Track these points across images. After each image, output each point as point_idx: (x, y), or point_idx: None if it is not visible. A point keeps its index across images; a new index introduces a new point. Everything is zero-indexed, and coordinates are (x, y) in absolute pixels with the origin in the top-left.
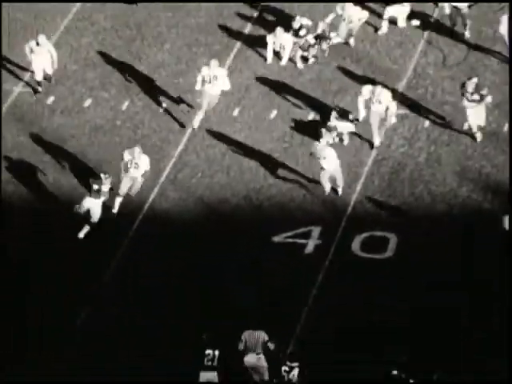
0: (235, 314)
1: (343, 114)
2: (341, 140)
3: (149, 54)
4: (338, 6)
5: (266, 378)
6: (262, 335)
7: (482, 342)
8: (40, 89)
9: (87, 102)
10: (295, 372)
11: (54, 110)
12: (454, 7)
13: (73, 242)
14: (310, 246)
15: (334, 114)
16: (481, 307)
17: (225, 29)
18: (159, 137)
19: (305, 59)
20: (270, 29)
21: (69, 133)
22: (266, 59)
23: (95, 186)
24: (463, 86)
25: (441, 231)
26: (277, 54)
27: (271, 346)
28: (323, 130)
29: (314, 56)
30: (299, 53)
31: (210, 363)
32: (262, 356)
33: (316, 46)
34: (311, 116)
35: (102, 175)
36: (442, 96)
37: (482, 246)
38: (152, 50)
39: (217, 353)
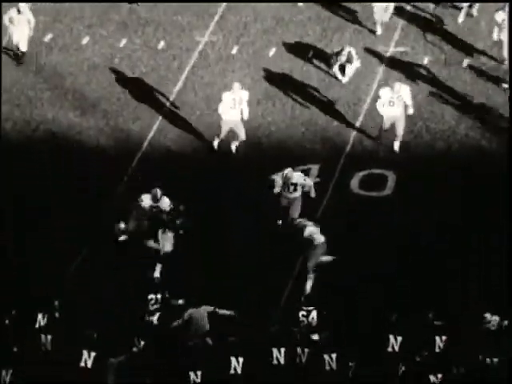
0: (233, 254)
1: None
2: (342, 70)
3: None
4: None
5: None
6: (207, 308)
7: (480, 283)
8: (16, 60)
9: (85, 40)
10: (313, 315)
11: (51, 48)
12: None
13: (69, 178)
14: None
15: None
16: (480, 246)
17: None
18: (157, 75)
19: None
20: None
21: (67, 70)
22: None
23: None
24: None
25: (439, 169)
26: None
27: (219, 310)
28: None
29: None
30: None
31: (154, 307)
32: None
33: None
34: (310, 53)
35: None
36: (442, 32)
37: (480, 183)
38: None
39: (159, 296)
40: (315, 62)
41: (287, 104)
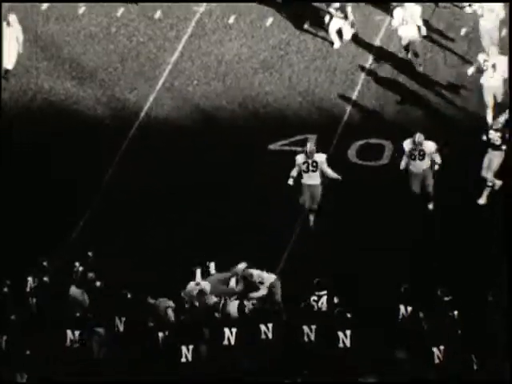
0: (231, 223)
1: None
2: (340, 34)
3: None
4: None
5: None
6: (167, 303)
7: (480, 252)
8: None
9: (81, 9)
10: (323, 300)
11: (48, 17)
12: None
13: (67, 152)
14: None
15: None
16: (484, 212)
17: None
18: (155, 44)
19: None
20: None
21: (63, 40)
22: None
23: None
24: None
25: (436, 138)
26: None
27: (170, 312)
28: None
29: None
30: None
31: (74, 276)
32: None
33: None
34: (307, 24)
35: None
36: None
37: (479, 149)
38: None
39: (81, 268)
40: (312, 31)
41: (284, 74)
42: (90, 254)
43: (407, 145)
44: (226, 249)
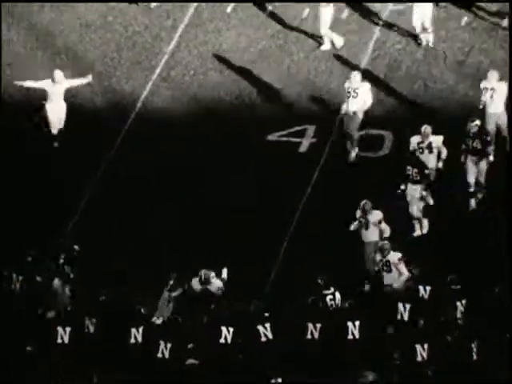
0: (230, 215)
1: None
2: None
3: None
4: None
5: None
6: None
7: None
8: (56, 144)
9: None
10: (338, 296)
11: (43, 5)
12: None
13: (64, 142)
14: (305, 144)
15: None
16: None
17: None
18: (151, 33)
19: None
20: None
21: (59, 29)
22: None
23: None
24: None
25: (437, 128)
26: None
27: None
28: None
29: None
30: None
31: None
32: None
33: None
34: (305, 13)
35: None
36: None
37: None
38: None
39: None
40: (310, 21)
41: (283, 63)
42: (76, 247)
43: (358, 212)
44: (224, 239)
